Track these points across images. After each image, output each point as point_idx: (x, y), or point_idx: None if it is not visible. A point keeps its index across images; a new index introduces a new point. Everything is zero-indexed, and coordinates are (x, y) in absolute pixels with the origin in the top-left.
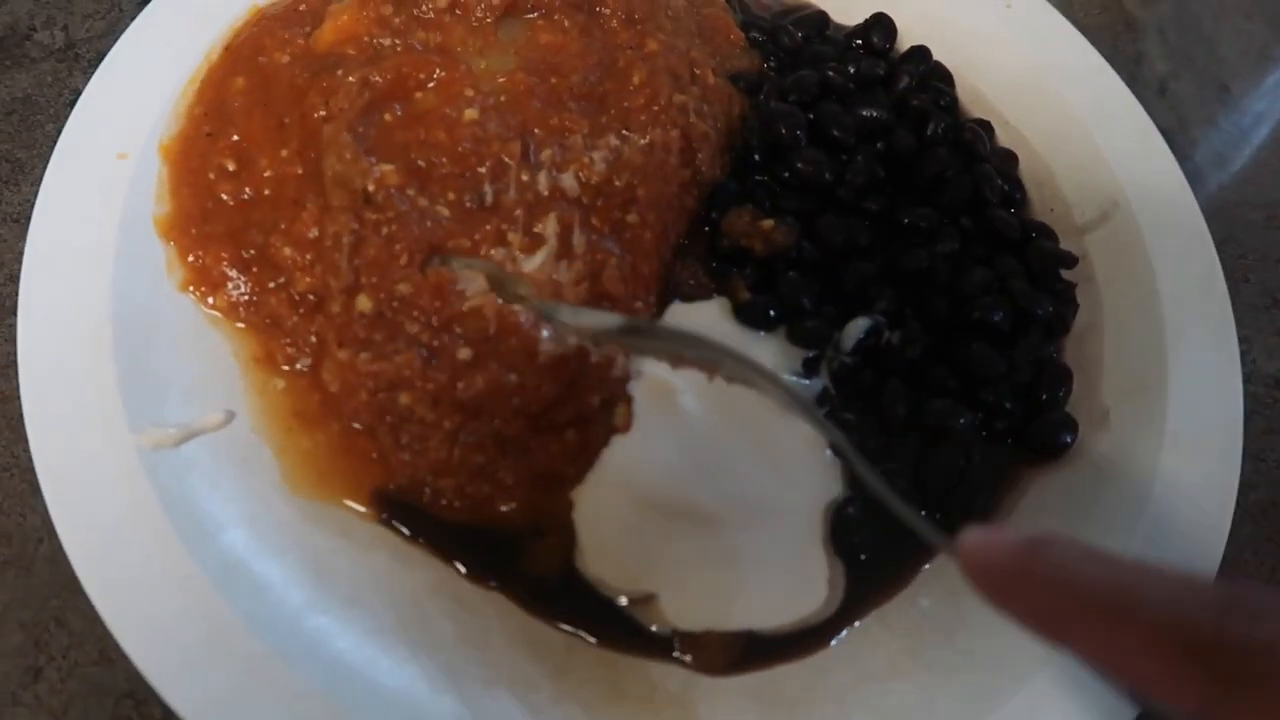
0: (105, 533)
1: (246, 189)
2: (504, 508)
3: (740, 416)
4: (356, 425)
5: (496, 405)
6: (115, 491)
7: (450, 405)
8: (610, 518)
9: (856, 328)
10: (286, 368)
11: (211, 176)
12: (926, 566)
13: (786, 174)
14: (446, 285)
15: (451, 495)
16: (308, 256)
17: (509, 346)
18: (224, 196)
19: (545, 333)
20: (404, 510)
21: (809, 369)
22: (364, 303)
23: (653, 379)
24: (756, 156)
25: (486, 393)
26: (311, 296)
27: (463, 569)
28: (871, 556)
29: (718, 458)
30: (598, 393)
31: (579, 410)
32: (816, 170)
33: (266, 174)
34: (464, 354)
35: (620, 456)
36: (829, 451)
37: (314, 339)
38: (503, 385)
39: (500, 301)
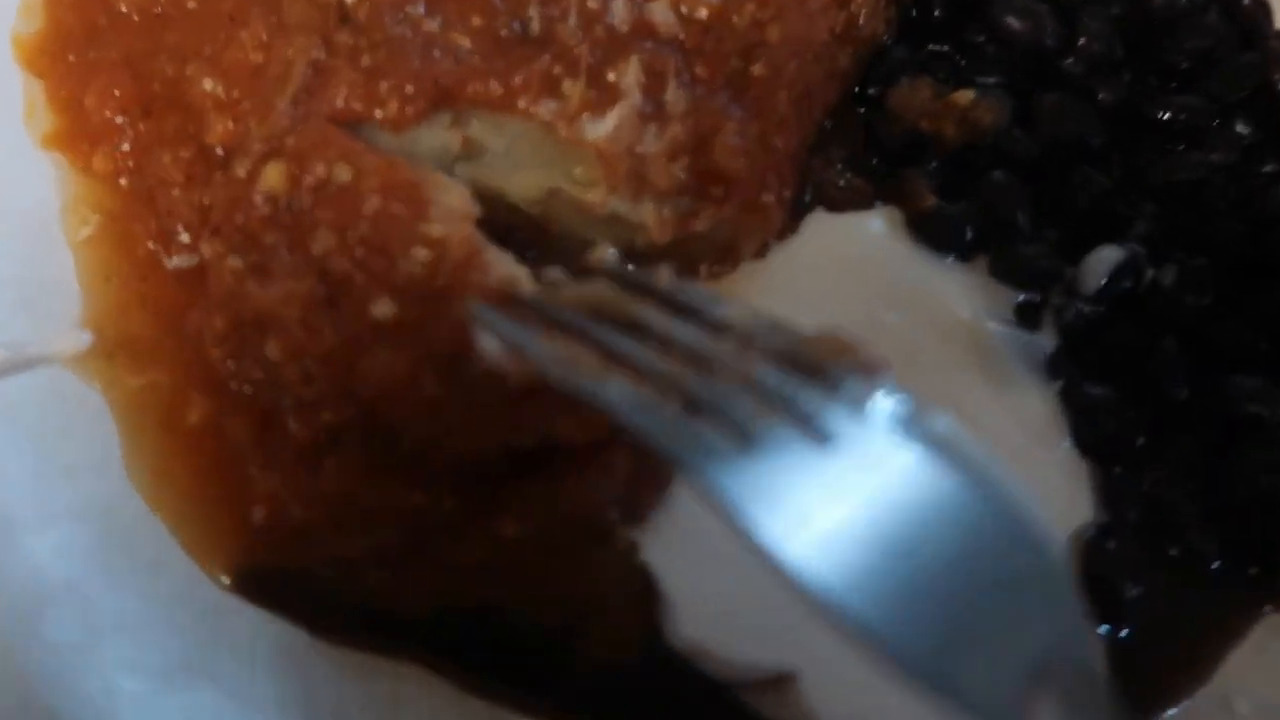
0: None
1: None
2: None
3: (947, 406)
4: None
5: (414, 417)
6: None
7: (331, 386)
8: (715, 556)
9: (1102, 261)
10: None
11: None
12: (1243, 645)
13: (982, 39)
14: (407, 185)
15: (330, 561)
16: (235, 93)
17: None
18: (123, 9)
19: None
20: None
21: (1026, 318)
22: (272, 177)
23: None
24: (936, 12)
25: (398, 391)
26: (220, 151)
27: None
28: (1150, 621)
29: None
30: None
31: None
32: (1033, 31)
33: None
34: (381, 309)
35: None
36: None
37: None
38: (431, 393)
39: (481, 239)
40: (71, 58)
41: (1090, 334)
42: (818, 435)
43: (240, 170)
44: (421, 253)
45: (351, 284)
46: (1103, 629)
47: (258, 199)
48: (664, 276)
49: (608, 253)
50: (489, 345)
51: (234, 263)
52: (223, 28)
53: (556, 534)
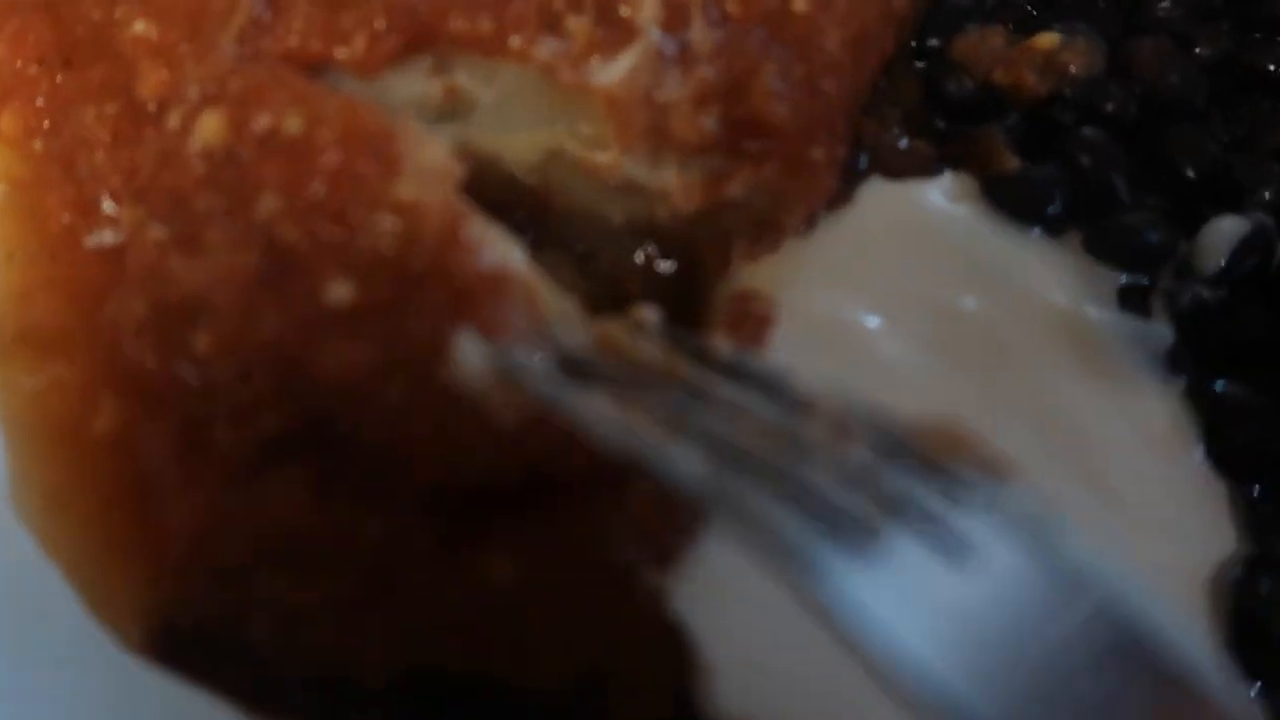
0: None
1: None
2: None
3: (1042, 408)
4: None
5: (376, 428)
6: None
7: (273, 385)
8: (763, 608)
9: (1222, 234)
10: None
11: None
12: None
13: None
14: (373, 135)
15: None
16: (172, 36)
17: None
18: None
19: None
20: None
21: (1131, 303)
22: (210, 125)
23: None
24: None
25: (356, 394)
26: (152, 107)
27: None
28: None
29: None
30: None
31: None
32: None
33: None
34: (337, 292)
35: None
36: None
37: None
38: (397, 400)
39: (465, 206)
40: None
41: (1215, 322)
42: (949, 543)
43: (174, 122)
44: (388, 221)
45: (301, 259)
46: (1255, 688)
47: (192, 154)
48: (723, 344)
49: (649, 313)
50: (470, 374)
51: (157, 232)
52: None
53: (562, 578)
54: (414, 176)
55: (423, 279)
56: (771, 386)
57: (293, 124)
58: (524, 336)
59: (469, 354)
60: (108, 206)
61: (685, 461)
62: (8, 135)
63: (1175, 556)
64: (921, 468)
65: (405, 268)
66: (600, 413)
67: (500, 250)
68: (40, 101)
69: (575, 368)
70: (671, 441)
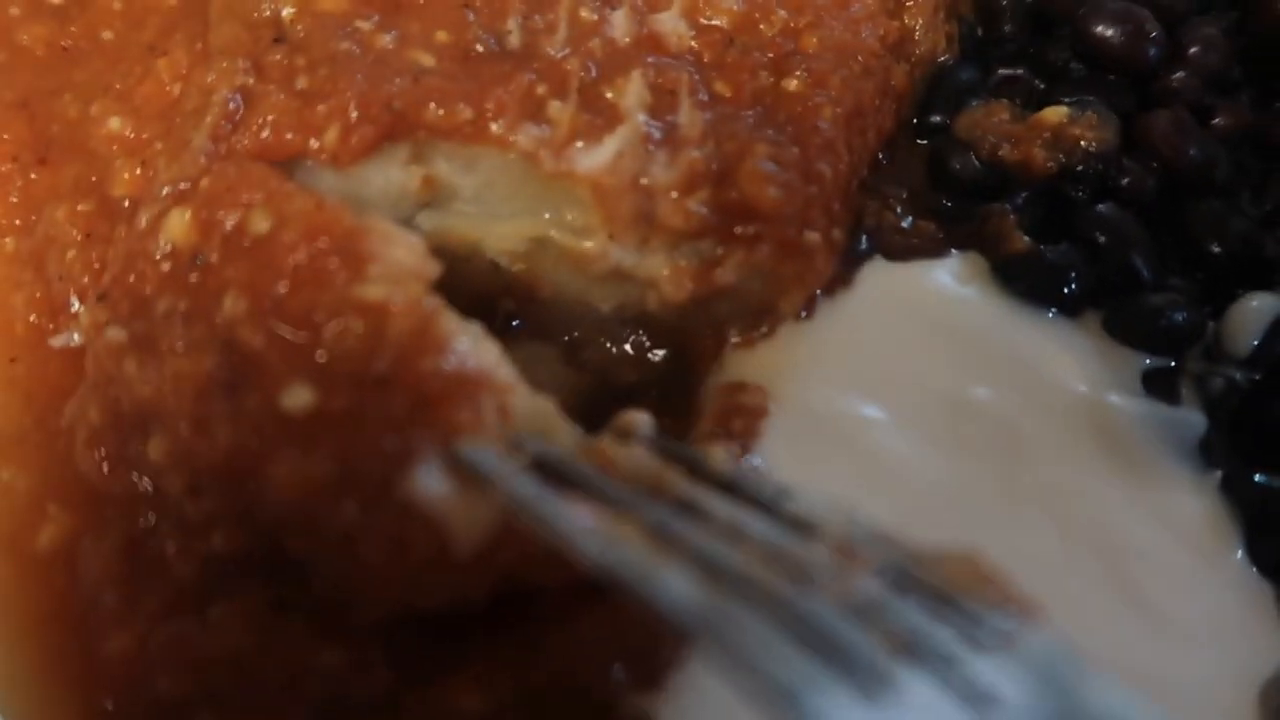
0: None
1: (73, 32)
2: None
3: (1066, 508)
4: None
5: (329, 552)
6: None
7: (224, 502)
8: None
9: (1253, 313)
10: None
11: (13, 11)
12: None
13: (1065, 56)
14: (341, 233)
15: None
16: (146, 134)
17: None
18: (26, 41)
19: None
20: None
21: (1158, 388)
22: (176, 225)
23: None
24: (1007, 27)
25: (309, 513)
26: (127, 204)
27: None
28: None
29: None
30: None
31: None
32: (1131, 40)
33: (116, 6)
34: (294, 399)
35: None
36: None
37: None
38: (352, 519)
39: (436, 306)
40: None
41: (1250, 408)
42: (967, 691)
43: (143, 221)
44: (353, 323)
45: (260, 364)
46: None
47: (158, 254)
48: (719, 456)
49: (640, 419)
50: (432, 489)
51: (115, 335)
52: (139, 60)
53: (539, 707)
54: (382, 277)
55: (386, 382)
56: (771, 504)
57: (259, 223)
58: (495, 442)
59: (429, 476)
60: (77, 307)
61: (674, 584)
62: None
63: (1219, 669)
64: (936, 602)
65: (367, 371)
66: (581, 525)
67: (473, 350)
68: (14, 199)
69: (554, 474)
70: (659, 561)
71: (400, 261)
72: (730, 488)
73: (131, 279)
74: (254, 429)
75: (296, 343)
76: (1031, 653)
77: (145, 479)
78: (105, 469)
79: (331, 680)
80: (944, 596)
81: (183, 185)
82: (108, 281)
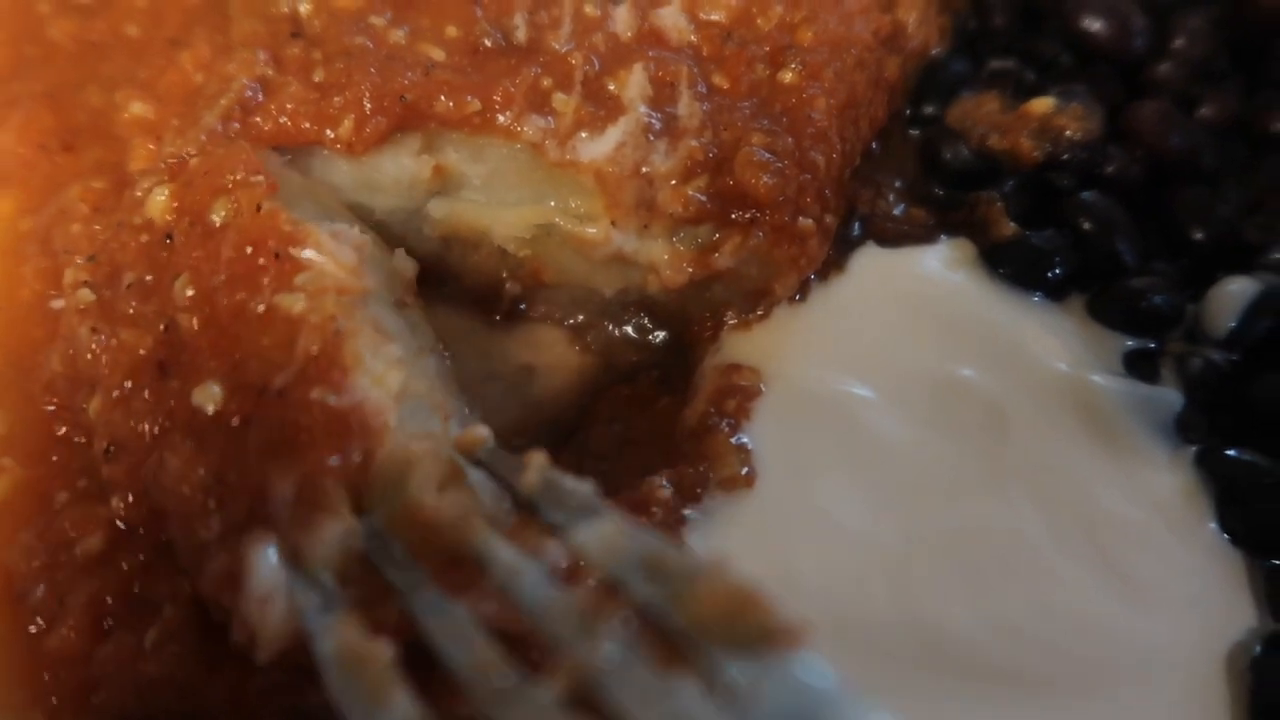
0: None
1: (99, 27)
2: None
3: (1048, 483)
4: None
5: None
6: None
7: (129, 472)
8: None
9: (1232, 296)
10: None
11: (43, 8)
12: None
13: (1054, 48)
14: (276, 236)
15: None
16: (166, 114)
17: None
18: (55, 36)
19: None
20: None
21: (1139, 368)
22: (156, 202)
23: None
24: (997, 20)
25: (188, 509)
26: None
27: None
28: None
29: (1009, 567)
30: None
31: None
32: (1118, 32)
33: (139, 2)
34: (203, 396)
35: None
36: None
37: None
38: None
39: (339, 327)
40: None
41: (1226, 386)
42: None
43: (139, 191)
44: (270, 331)
45: (191, 353)
46: None
47: (138, 226)
48: (537, 464)
49: (482, 432)
50: (264, 581)
51: (84, 296)
52: (162, 53)
53: None
54: (306, 287)
55: (281, 398)
56: (560, 531)
57: (218, 212)
58: (337, 504)
59: (265, 565)
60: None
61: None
62: (1, 214)
63: (1189, 634)
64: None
65: (269, 383)
66: (334, 653)
67: (367, 388)
68: (36, 183)
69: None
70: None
71: (330, 274)
72: (533, 508)
73: (115, 247)
74: (167, 413)
75: (222, 339)
76: (774, 699)
77: (80, 435)
78: (53, 416)
79: (276, 694)
80: (695, 640)
81: (174, 160)
82: (98, 245)
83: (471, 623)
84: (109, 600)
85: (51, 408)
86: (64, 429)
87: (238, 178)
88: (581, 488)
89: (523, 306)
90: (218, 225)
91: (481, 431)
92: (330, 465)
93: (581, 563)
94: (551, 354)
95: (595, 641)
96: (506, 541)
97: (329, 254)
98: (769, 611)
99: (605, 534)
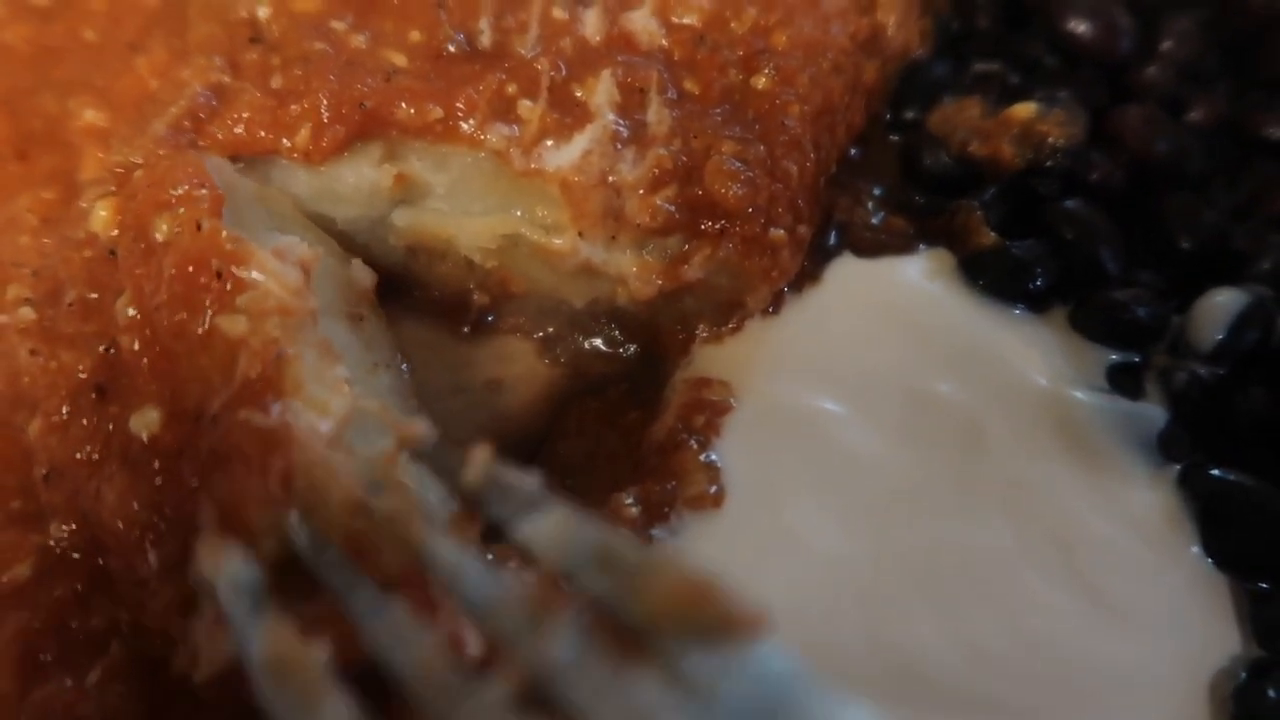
0: None
1: (56, 31)
2: None
3: (1025, 501)
4: None
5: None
6: None
7: (67, 498)
8: None
9: (1219, 308)
10: None
11: (0, 12)
12: None
13: (1039, 50)
14: (218, 255)
15: None
16: (117, 122)
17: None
18: (8, 40)
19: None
20: None
21: (1123, 384)
22: (100, 215)
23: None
24: (981, 23)
25: (125, 540)
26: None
27: None
28: None
29: (983, 590)
30: None
31: None
32: (1104, 34)
33: (98, 6)
34: (141, 422)
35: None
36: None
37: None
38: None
39: (280, 350)
40: None
41: (1212, 403)
42: None
43: (84, 202)
44: (209, 354)
45: (130, 376)
46: None
47: (80, 240)
48: (481, 457)
49: (421, 428)
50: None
51: (25, 314)
52: (120, 58)
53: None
54: (248, 308)
55: (216, 423)
56: (505, 526)
57: (160, 228)
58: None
59: (210, 560)
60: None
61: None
62: None
63: (1173, 659)
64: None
65: (206, 408)
66: (262, 655)
67: (299, 412)
68: None
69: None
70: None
71: (273, 294)
72: (476, 503)
73: (58, 261)
74: (104, 440)
75: (162, 361)
76: (735, 691)
77: (17, 454)
78: None
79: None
80: (652, 633)
81: (120, 170)
82: (43, 260)
83: (412, 623)
84: (40, 634)
85: None
86: None
87: (182, 191)
88: (527, 480)
89: (491, 318)
90: (160, 241)
91: (421, 427)
92: (253, 486)
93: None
94: (520, 366)
95: (546, 637)
96: (448, 538)
97: (272, 274)
98: (726, 601)
99: (553, 526)
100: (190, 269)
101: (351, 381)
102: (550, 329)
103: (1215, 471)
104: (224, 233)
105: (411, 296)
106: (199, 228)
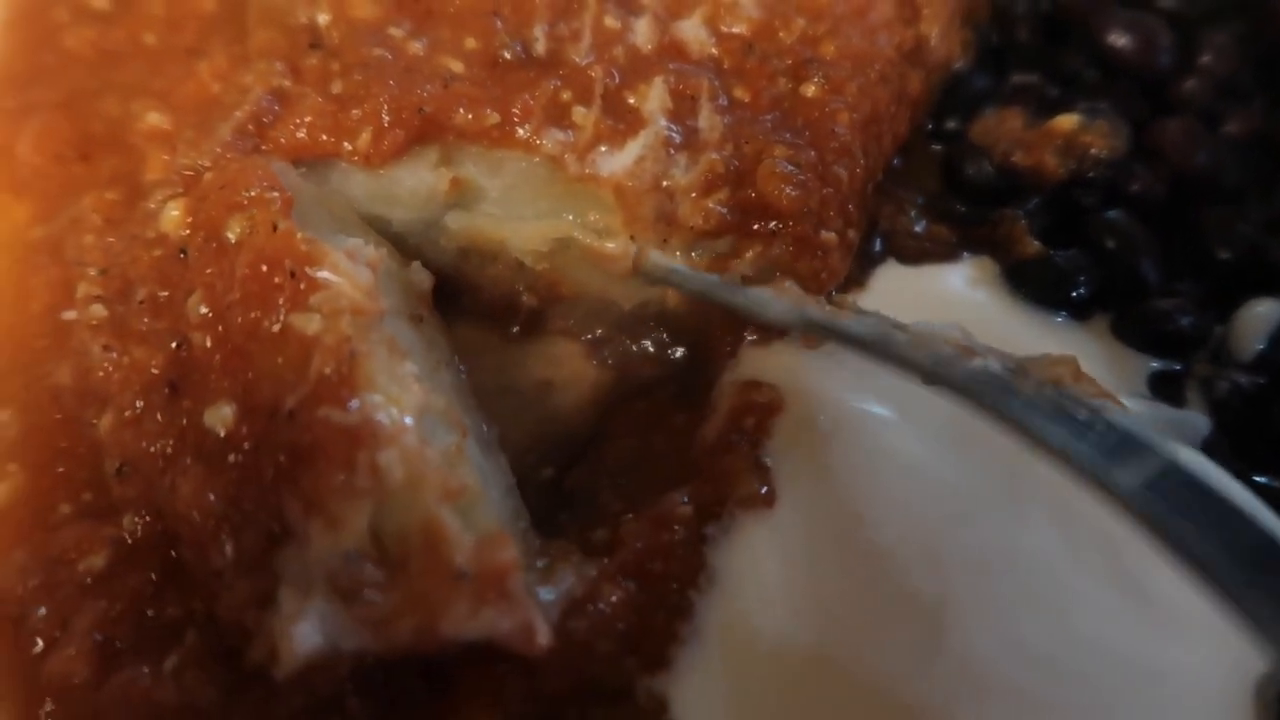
0: None
1: (117, 35)
2: None
3: (1069, 506)
4: None
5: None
6: None
7: (141, 491)
8: None
9: (1259, 319)
10: None
11: (60, 16)
12: None
13: (1079, 63)
14: (292, 255)
15: None
16: (182, 125)
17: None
18: (72, 45)
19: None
20: None
21: (1164, 390)
22: (171, 216)
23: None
24: (1022, 35)
25: (200, 533)
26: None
27: None
28: None
29: (1029, 590)
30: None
31: None
32: (1144, 48)
33: (157, 11)
34: (216, 417)
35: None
36: None
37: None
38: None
39: (353, 348)
40: (9, 102)
41: (1253, 412)
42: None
43: (152, 204)
44: (283, 352)
45: (203, 372)
46: None
47: (151, 240)
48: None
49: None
50: (304, 643)
51: (97, 311)
52: (179, 62)
53: (555, 707)
54: (321, 308)
55: (292, 419)
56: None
57: (234, 228)
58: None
59: (308, 625)
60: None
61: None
62: (17, 222)
63: (1217, 661)
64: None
65: (281, 404)
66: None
67: (379, 405)
68: (52, 193)
69: None
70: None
71: (346, 295)
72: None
73: (127, 260)
74: (179, 435)
75: (235, 358)
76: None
77: (86, 449)
78: (60, 427)
79: None
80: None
81: (188, 172)
82: (111, 261)
83: None
84: (117, 623)
85: (58, 418)
86: (68, 442)
87: (254, 194)
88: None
89: (540, 320)
90: (233, 242)
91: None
92: (339, 480)
93: None
94: (568, 368)
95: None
96: None
97: (345, 274)
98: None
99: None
100: (264, 269)
101: (419, 378)
102: (598, 331)
103: (1260, 479)
104: (299, 234)
105: (462, 299)
106: (274, 229)
